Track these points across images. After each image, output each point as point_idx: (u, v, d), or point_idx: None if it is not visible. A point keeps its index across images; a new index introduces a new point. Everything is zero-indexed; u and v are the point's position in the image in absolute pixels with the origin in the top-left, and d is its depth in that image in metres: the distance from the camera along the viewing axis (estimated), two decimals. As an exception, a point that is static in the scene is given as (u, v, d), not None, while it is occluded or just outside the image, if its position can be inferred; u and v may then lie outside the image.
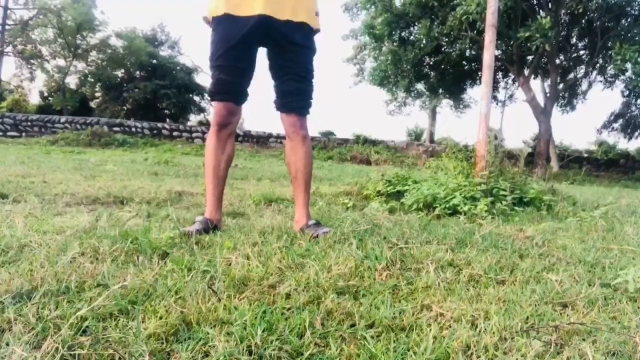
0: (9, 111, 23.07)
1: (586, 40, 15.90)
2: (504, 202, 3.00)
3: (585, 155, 22.73)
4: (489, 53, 4.07)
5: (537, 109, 15.71)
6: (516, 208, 3.02)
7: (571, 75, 17.09)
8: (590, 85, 17.38)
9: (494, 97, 19.52)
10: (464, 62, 17.44)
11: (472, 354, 0.96)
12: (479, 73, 16.96)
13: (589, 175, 14.23)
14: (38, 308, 1.11)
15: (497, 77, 18.82)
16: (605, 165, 19.37)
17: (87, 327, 1.02)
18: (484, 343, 1.01)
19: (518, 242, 2.12)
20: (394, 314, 1.18)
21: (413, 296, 1.35)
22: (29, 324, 1.02)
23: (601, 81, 16.86)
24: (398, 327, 1.10)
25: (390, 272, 1.56)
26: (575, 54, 16.55)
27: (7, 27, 24.66)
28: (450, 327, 1.11)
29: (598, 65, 16.05)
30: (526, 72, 16.06)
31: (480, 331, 1.08)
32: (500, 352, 0.98)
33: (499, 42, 14.48)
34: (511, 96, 20.32)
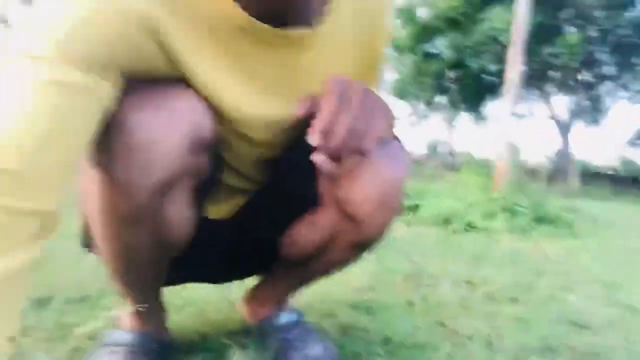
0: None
1: (613, 56, 15.70)
2: (522, 219, 2.97)
3: (609, 172, 22.29)
4: (514, 68, 4.06)
5: (559, 125, 15.53)
6: (535, 225, 2.99)
7: (595, 91, 16.86)
8: (614, 101, 17.12)
9: (515, 112, 19.33)
10: (485, 75, 17.35)
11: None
12: (500, 87, 16.85)
13: (610, 193, 13.95)
14: (58, 315, 1.13)
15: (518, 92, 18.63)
16: (628, 183, 18.97)
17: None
18: (498, 361, 1.00)
19: (536, 260, 2.10)
20: (408, 330, 1.18)
21: (428, 312, 1.34)
22: (47, 330, 1.04)
23: (626, 97, 16.60)
24: (413, 344, 1.10)
25: (406, 287, 1.56)
26: (599, 70, 16.35)
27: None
28: (464, 345, 1.11)
29: (622, 82, 15.82)
30: (549, 87, 15.90)
31: (495, 350, 1.07)
32: (514, 372, 0.98)
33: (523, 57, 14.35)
34: (532, 112, 20.10)
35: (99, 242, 0.76)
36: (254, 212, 0.91)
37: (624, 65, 14.57)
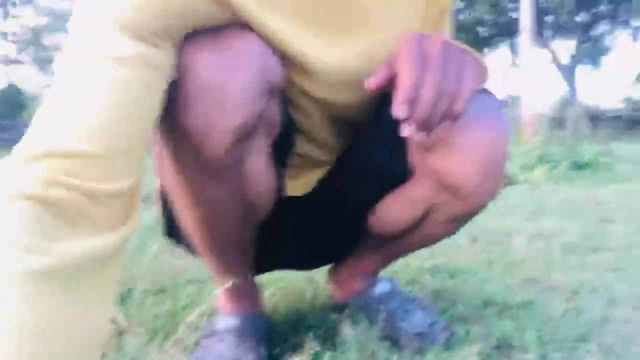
0: (31, 119, 23.37)
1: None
2: (561, 168, 2.92)
3: (620, 114, 21.94)
4: (526, 15, 3.94)
5: (560, 70, 15.31)
6: (575, 172, 2.94)
7: (594, 32, 16.53)
8: (614, 39, 16.83)
9: (513, 62, 19.05)
10: (479, 27, 17.01)
11: (616, 328, 0.91)
12: (497, 38, 16.54)
13: (624, 134, 13.83)
14: (146, 307, 1.09)
15: (516, 40, 18.33)
16: (638, 122, 18.74)
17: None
18: (622, 315, 0.96)
19: (594, 207, 2.05)
20: (504, 290, 1.13)
21: (513, 270, 1.30)
22: (142, 323, 1.00)
23: (629, 33, 16.29)
24: (517, 303, 1.05)
25: (476, 248, 1.52)
26: (595, 10, 15.96)
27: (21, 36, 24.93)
28: (573, 300, 1.06)
29: (622, 19, 15.50)
30: (547, 32, 15.62)
31: (611, 303, 1.03)
32: None
33: (516, 4, 14.07)
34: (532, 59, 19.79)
35: (182, 214, 0.72)
36: (334, 186, 0.85)
37: (620, 1, 14.20)
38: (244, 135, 0.59)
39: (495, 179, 0.74)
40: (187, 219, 0.71)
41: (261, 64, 0.57)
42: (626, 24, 15.95)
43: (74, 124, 0.44)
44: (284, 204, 0.78)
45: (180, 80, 0.54)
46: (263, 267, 0.94)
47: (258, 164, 0.66)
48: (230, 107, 0.56)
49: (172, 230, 0.85)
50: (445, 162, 0.72)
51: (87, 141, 0.44)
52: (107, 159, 0.45)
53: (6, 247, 0.36)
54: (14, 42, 21.90)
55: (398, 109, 0.53)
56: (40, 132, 0.45)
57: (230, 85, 0.55)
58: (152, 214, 2.19)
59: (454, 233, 0.87)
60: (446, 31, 0.79)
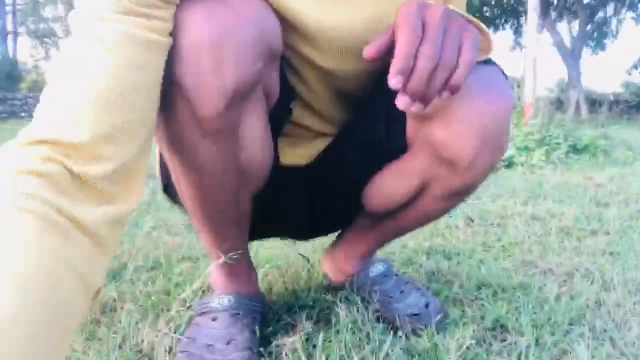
0: (29, 92, 23.18)
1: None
2: (560, 151, 2.90)
3: (620, 99, 21.84)
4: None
5: (565, 53, 15.15)
6: (571, 155, 2.93)
7: (600, 15, 16.32)
8: (619, 23, 16.63)
9: (518, 43, 18.86)
10: (485, 7, 16.80)
11: (609, 311, 0.91)
12: (503, 18, 16.35)
13: (620, 118, 13.78)
14: (135, 284, 1.09)
15: (521, 21, 18.10)
16: (636, 108, 18.66)
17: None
18: (615, 299, 0.96)
19: (591, 190, 2.04)
20: (499, 272, 1.13)
21: (509, 253, 1.30)
22: (135, 300, 1.00)
23: (633, 17, 16.10)
24: (513, 285, 1.05)
25: (473, 229, 1.51)
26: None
27: (18, 7, 24.55)
28: (566, 283, 1.06)
29: (627, 0, 15.28)
30: (552, 14, 15.41)
31: (605, 287, 1.03)
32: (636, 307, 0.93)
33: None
34: (537, 41, 19.55)
35: (178, 183, 0.70)
36: (334, 159, 0.83)
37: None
38: (239, 98, 0.57)
39: (494, 153, 0.72)
40: (183, 188, 0.69)
41: (260, 24, 0.56)
42: (632, 6, 15.71)
43: (63, 111, 0.45)
44: (283, 173, 0.77)
45: (174, 35, 0.52)
46: (258, 233, 0.92)
47: (254, 130, 0.64)
48: (225, 67, 0.54)
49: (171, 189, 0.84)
50: (442, 134, 0.70)
51: (71, 128, 0.44)
52: (91, 145, 0.45)
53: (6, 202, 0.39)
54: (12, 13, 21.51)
55: (393, 79, 0.51)
56: (36, 119, 0.46)
57: (226, 43, 0.53)
58: (147, 190, 2.18)
59: (449, 210, 0.85)
60: (458, 1, 0.76)
